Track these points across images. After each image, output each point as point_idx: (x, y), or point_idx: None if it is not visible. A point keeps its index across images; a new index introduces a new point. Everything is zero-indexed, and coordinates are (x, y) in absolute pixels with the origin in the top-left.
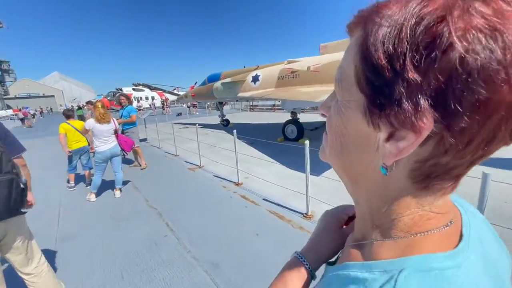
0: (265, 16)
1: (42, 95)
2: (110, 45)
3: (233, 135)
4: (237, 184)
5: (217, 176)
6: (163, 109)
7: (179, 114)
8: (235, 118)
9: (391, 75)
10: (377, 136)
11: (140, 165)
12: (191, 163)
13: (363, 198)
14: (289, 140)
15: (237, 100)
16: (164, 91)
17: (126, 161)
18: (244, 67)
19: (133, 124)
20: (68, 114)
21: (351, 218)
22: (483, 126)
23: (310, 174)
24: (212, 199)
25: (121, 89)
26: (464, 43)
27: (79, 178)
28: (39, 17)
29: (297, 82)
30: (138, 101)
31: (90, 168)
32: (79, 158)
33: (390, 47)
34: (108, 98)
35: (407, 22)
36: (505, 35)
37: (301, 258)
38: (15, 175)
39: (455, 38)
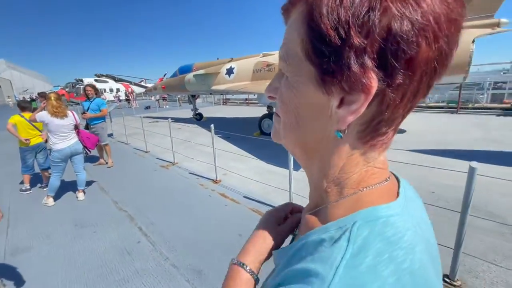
0: (237, 5)
1: None
2: (69, 32)
3: (210, 130)
4: (215, 181)
5: (193, 173)
6: (129, 102)
7: (147, 108)
8: (208, 112)
9: (339, 42)
10: (330, 104)
11: (107, 163)
12: (164, 160)
13: (317, 166)
14: (265, 135)
15: (210, 93)
16: (131, 83)
17: (90, 159)
18: (218, 59)
19: (101, 118)
20: (23, 106)
21: (293, 213)
22: (412, 80)
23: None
24: (189, 198)
25: (81, 80)
26: (396, 6)
27: (35, 180)
28: None
29: (273, 75)
30: (102, 94)
31: (48, 168)
32: (35, 156)
33: (335, 16)
34: (67, 90)
35: None
36: (423, 0)
37: (240, 263)
38: None
39: (389, 3)
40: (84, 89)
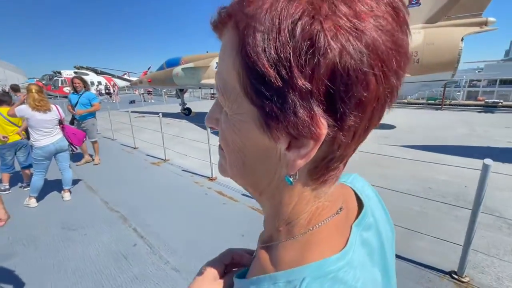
0: None
1: None
2: (46, 22)
3: (201, 125)
4: (211, 178)
5: (186, 171)
6: (110, 96)
7: (132, 102)
8: (196, 106)
9: (280, 83)
10: (278, 146)
11: (93, 160)
12: (154, 157)
13: (268, 205)
14: None
15: (200, 88)
16: (113, 76)
17: (73, 158)
18: (207, 52)
19: (92, 114)
20: (2, 99)
21: (233, 260)
22: (363, 119)
23: None
24: (185, 197)
25: (59, 72)
26: (338, 44)
27: (15, 179)
28: None
29: None
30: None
31: (30, 166)
32: (15, 154)
33: (273, 52)
34: (43, 82)
35: (282, 23)
36: (366, 35)
37: None
38: None
39: (329, 39)
40: (72, 82)
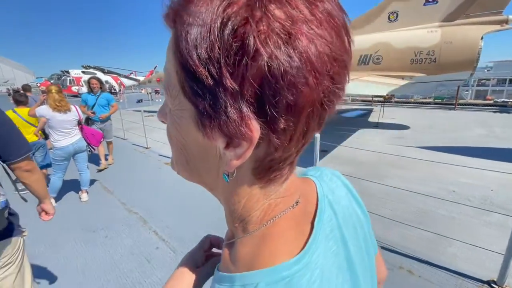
0: None
1: None
2: (54, 21)
3: None
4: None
5: None
6: (116, 95)
7: (139, 101)
8: None
9: (211, 82)
10: (216, 146)
11: (107, 160)
12: (168, 157)
13: (222, 201)
14: None
15: None
16: (120, 75)
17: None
18: None
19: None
20: (19, 100)
21: (212, 246)
22: (297, 124)
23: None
24: (202, 199)
25: (67, 72)
26: (267, 48)
27: None
28: None
29: None
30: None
31: (48, 166)
32: (33, 154)
33: (203, 51)
34: (52, 82)
35: (214, 23)
36: (298, 40)
37: None
38: None
39: (258, 43)
40: (89, 82)
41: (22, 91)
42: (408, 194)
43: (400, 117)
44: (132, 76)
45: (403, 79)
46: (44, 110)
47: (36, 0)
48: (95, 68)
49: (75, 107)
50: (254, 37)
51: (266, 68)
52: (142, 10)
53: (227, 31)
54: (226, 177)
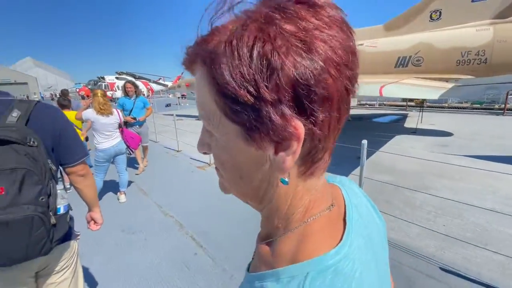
0: None
1: (13, 82)
2: (91, 30)
3: None
4: None
5: None
6: None
7: (168, 105)
8: None
9: (252, 100)
10: (267, 154)
11: (142, 166)
12: (199, 160)
13: (267, 209)
14: None
15: None
16: (149, 80)
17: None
18: None
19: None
20: (63, 104)
21: None
22: (332, 112)
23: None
24: (237, 205)
25: (103, 78)
26: (290, 58)
27: None
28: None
29: None
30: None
31: (90, 167)
32: None
33: (239, 77)
34: (89, 87)
35: (241, 51)
36: (314, 45)
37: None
38: (39, 208)
39: (282, 56)
40: (124, 86)
41: (65, 96)
42: (463, 208)
43: (439, 123)
44: (160, 81)
45: (447, 81)
46: (89, 113)
47: (75, 14)
48: (127, 74)
49: (117, 110)
50: (277, 53)
51: (295, 74)
52: (171, 17)
53: (254, 55)
54: (285, 180)
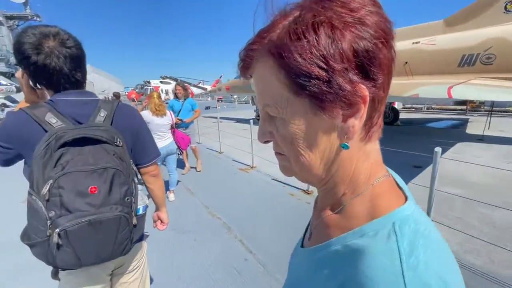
0: None
1: None
2: (137, 36)
3: None
4: (307, 192)
5: (276, 180)
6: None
7: (207, 108)
8: None
9: (324, 73)
10: (335, 122)
11: (193, 168)
12: (241, 163)
13: (332, 180)
14: None
15: None
16: (190, 84)
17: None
18: None
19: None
20: None
21: None
22: (388, 75)
23: None
24: (284, 210)
25: (149, 82)
26: (350, 33)
27: None
28: (70, 11)
29: None
30: (166, 94)
31: None
32: None
33: (309, 56)
34: (137, 91)
35: (308, 34)
36: (364, 19)
37: None
38: (125, 209)
39: (343, 31)
40: (175, 88)
41: (117, 98)
42: None
43: (510, 130)
44: (200, 85)
45: None
46: (145, 114)
47: (123, 24)
48: (170, 78)
49: (169, 112)
50: (337, 30)
51: (356, 45)
52: (211, 24)
53: (320, 35)
54: (346, 144)
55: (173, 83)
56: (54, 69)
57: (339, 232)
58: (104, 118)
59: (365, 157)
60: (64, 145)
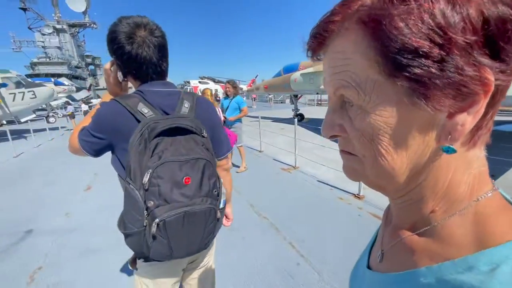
0: None
1: None
2: (179, 39)
3: (316, 131)
4: (358, 196)
5: (322, 182)
6: (218, 102)
7: None
8: (305, 112)
9: (438, 50)
10: (437, 117)
11: (239, 166)
12: (282, 162)
13: (417, 190)
14: None
15: (317, 93)
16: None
17: None
18: None
19: (239, 118)
20: None
21: None
22: None
23: None
24: (334, 215)
25: (188, 82)
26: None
27: None
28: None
29: None
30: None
31: None
32: None
33: (419, 25)
34: None
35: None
36: None
37: None
38: (213, 202)
39: None
40: (225, 86)
41: None
42: None
43: None
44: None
45: None
46: None
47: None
48: (208, 78)
49: (218, 109)
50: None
51: (489, 10)
52: (247, 25)
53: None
54: (452, 147)
55: (211, 83)
56: (145, 59)
57: (428, 260)
58: (188, 109)
59: (466, 166)
60: (158, 135)
